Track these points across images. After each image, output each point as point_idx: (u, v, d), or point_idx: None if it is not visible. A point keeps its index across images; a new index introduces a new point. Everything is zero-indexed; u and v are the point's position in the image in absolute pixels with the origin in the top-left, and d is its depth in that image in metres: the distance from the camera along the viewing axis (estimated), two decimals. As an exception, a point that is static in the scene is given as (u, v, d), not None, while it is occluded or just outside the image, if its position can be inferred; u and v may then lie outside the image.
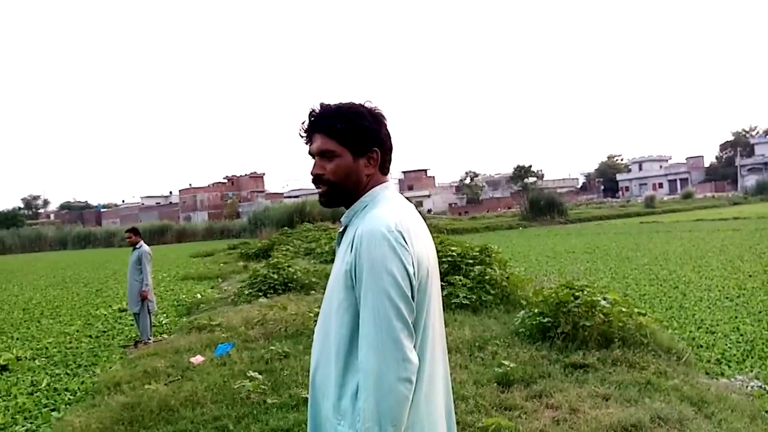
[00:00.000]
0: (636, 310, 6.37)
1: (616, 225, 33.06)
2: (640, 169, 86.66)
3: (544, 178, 76.99)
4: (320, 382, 1.62)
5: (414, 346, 1.50)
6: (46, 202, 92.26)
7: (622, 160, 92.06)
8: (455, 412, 4.13)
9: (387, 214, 1.58)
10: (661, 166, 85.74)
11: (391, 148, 1.74)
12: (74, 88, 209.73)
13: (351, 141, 1.65)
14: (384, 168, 1.73)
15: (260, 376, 5.25)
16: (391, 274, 1.47)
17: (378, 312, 1.45)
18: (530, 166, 73.43)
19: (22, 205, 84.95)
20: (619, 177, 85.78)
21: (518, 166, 73.42)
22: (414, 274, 1.51)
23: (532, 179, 72.18)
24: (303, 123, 1.71)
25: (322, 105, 1.69)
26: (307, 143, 1.72)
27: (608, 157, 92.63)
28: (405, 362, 1.44)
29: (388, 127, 1.73)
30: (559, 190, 61.89)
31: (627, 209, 47.77)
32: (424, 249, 1.60)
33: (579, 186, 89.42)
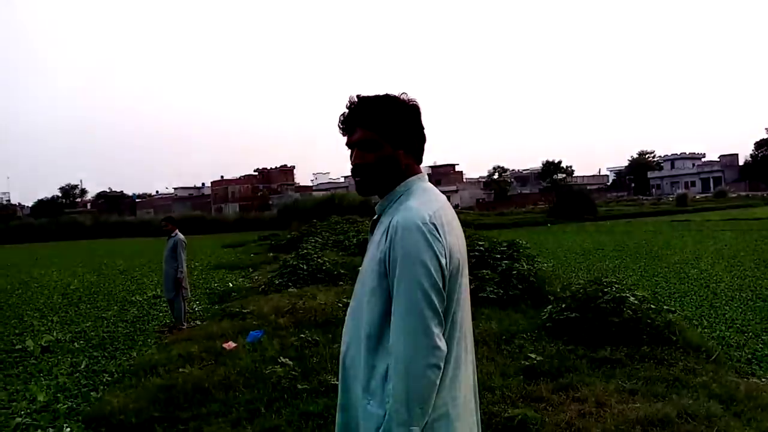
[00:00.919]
0: (665, 307, 6.35)
1: (646, 223, 32.49)
2: (673, 166, 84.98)
3: (573, 175, 76.06)
4: (350, 363, 1.69)
5: (443, 334, 1.57)
6: (83, 192, 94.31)
7: (654, 157, 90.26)
8: (482, 402, 4.20)
9: (422, 206, 1.63)
10: (694, 164, 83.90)
11: (425, 139, 1.80)
12: (112, 81, 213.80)
13: (390, 132, 1.71)
14: (418, 159, 1.79)
15: (291, 363, 5.39)
16: (424, 264, 1.53)
17: (410, 301, 1.52)
18: (559, 162, 72.71)
19: (60, 194, 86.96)
20: (650, 174, 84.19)
21: (547, 162, 72.73)
22: (446, 265, 1.57)
23: (561, 175, 71.38)
24: (343, 115, 1.76)
25: (360, 97, 1.74)
26: (345, 135, 1.78)
27: (639, 154, 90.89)
28: (434, 349, 1.51)
29: (421, 119, 1.78)
30: (588, 187, 61.12)
31: (658, 207, 46.85)
32: (455, 241, 1.65)
33: (609, 183, 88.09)
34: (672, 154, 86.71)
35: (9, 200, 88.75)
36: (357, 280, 1.77)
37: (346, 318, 1.78)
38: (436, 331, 1.53)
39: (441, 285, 1.56)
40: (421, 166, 1.82)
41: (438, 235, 1.57)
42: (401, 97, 1.75)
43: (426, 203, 1.65)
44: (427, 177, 1.82)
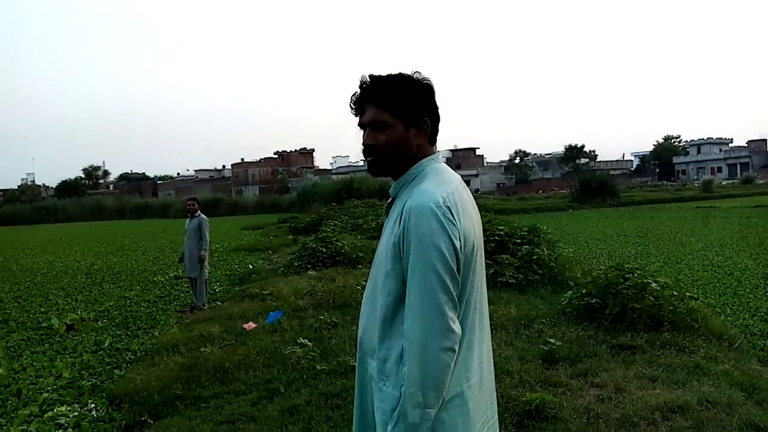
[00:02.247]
0: (688, 294, 6.26)
1: (670, 209, 32.07)
2: (699, 152, 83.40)
3: (596, 159, 75.14)
4: (367, 344, 1.71)
5: (457, 317, 1.57)
6: (106, 173, 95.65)
7: (679, 142, 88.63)
8: (500, 386, 4.18)
9: (435, 188, 1.61)
10: (720, 150, 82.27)
11: (439, 119, 1.75)
12: (134, 64, 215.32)
13: (403, 111, 1.68)
14: (432, 139, 1.75)
15: (310, 344, 5.44)
16: (438, 248, 1.52)
17: (424, 285, 1.51)
18: (582, 147, 71.74)
19: (83, 176, 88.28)
20: (675, 160, 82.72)
21: (570, 146, 71.79)
22: (460, 248, 1.56)
23: (584, 160, 70.52)
24: (354, 94, 1.74)
25: (372, 76, 1.71)
26: (357, 115, 1.75)
27: (665, 139, 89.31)
28: (448, 332, 1.51)
29: (436, 98, 1.75)
30: (611, 172, 60.32)
31: (683, 193, 46.15)
32: (470, 224, 1.63)
33: (633, 168, 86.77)
34: (698, 139, 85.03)
35: (33, 181, 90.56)
36: (372, 264, 1.77)
37: (363, 301, 1.78)
38: (450, 314, 1.52)
39: (455, 268, 1.55)
40: (441, 149, 1.79)
41: (452, 218, 1.55)
42: (414, 75, 1.72)
43: (440, 185, 1.64)
44: (441, 158, 1.79)
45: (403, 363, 1.54)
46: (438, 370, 1.50)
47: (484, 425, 1.70)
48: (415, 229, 1.53)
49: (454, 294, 1.54)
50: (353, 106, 1.75)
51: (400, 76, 1.70)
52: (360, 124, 1.75)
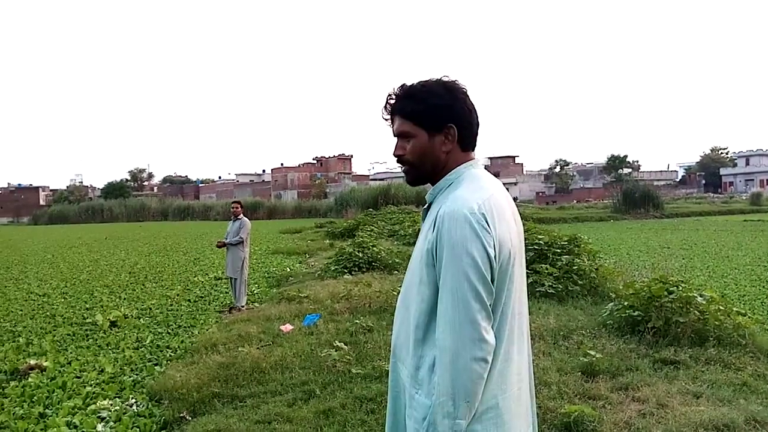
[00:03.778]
0: (734, 309, 6.06)
1: (716, 222, 31.09)
2: (747, 163, 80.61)
3: (640, 170, 73.48)
4: (400, 351, 1.70)
5: (492, 327, 1.53)
6: (150, 176, 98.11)
7: (727, 153, 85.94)
8: (537, 397, 4.12)
9: (471, 195, 1.58)
10: (771, 162, 79.39)
11: (471, 123, 1.71)
12: (179, 73, 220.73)
13: (424, 120, 1.67)
14: (465, 144, 1.71)
15: (345, 347, 5.45)
16: (471, 256, 1.49)
17: (456, 293, 1.49)
18: (625, 156, 70.37)
19: (128, 178, 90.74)
20: (722, 171, 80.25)
21: (612, 156, 70.46)
22: (495, 257, 1.52)
23: (626, 170, 69.04)
24: (384, 107, 1.76)
25: (398, 87, 1.73)
26: (389, 125, 1.78)
27: (712, 150, 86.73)
28: (481, 342, 1.48)
29: (467, 101, 1.70)
30: (655, 183, 58.87)
31: (730, 206, 44.71)
32: (507, 231, 1.59)
33: (678, 179, 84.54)
34: (747, 151, 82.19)
35: (81, 182, 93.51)
36: (407, 269, 1.76)
37: (397, 306, 1.77)
38: (483, 324, 1.49)
39: (489, 277, 1.51)
40: (478, 157, 1.77)
41: (486, 226, 1.52)
42: (440, 79, 1.69)
43: (476, 191, 1.60)
44: (480, 163, 1.76)
45: (434, 372, 1.53)
46: (469, 381, 1.47)
47: None
48: (448, 236, 1.51)
49: (488, 303, 1.51)
50: (385, 118, 1.77)
51: (421, 85, 1.69)
52: (394, 135, 1.77)
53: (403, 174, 1.80)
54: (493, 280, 1.53)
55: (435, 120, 1.67)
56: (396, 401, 1.73)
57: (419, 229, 1.79)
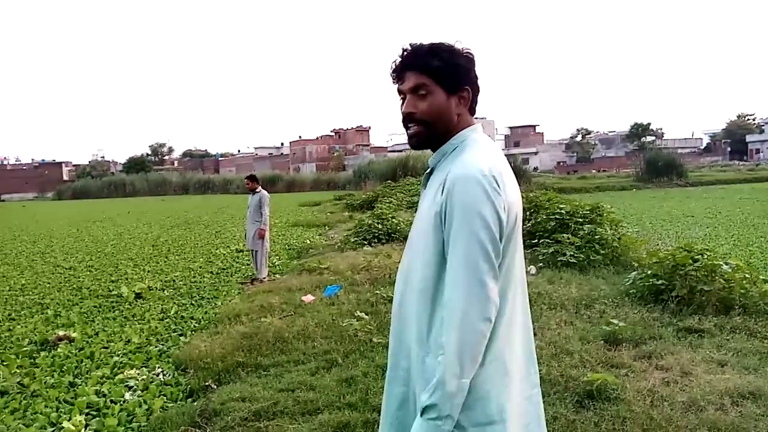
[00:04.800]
0: (761, 277, 5.97)
1: (742, 190, 30.49)
2: (775, 130, 78.62)
3: (663, 138, 72.15)
4: (405, 315, 1.68)
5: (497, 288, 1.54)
6: (170, 150, 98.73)
7: (754, 120, 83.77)
8: (559, 365, 4.10)
9: (479, 158, 1.58)
10: (800, 128, 77.25)
11: (479, 90, 1.72)
12: (198, 49, 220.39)
13: (445, 78, 1.64)
14: (472, 109, 1.72)
15: (366, 317, 5.49)
16: (483, 217, 1.49)
17: (467, 253, 1.49)
18: (649, 124, 68.97)
19: (149, 152, 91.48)
20: (749, 138, 78.24)
21: (635, 124, 69.12)
22: (504, 219, 1.54)
23: (650, 138, 67.80)
24: (395, 61, 1.70)
25: (413, 44, 1.69)
26: (396, 82, 1.72)
27: (738, 116, 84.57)
28: (488, 302, 1.49)
29: (476, 68, 1.71)
30: (680, 151, 57.82)
31: (756, 173, 43.74)
32: (514, 194, 1.61)
33: (703, 147, 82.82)
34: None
35: (103, 157, 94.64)
36: (410, 233, 1.74)
37: (399, 269, 1.76)
38: (491, 284, 1.50)
39: (498, 238, 1.52)
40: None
41: (497, 188, 1.53)
42: (455, 44, 1.68)
43: (483, 155, 1.60)
44: (481, 128, 1.75)
45: (441, 333, 1.52)
46: (475, 341, 1.48)
47: (524, 393, 1.67)
48: (459, 198, 1.51)
49: (496, 264, 1.52)
50: (393, 73, 1.71)
51: (441, 43, 1.67)
52: (400, 92, 1.71)
53: (407, 137, 1.73)
54: (501, 242, 1.54)
55: (455, 80, 1.66)
56: (398, 366, 1.71)
57: (420, 195, 1.77)
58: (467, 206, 1.50)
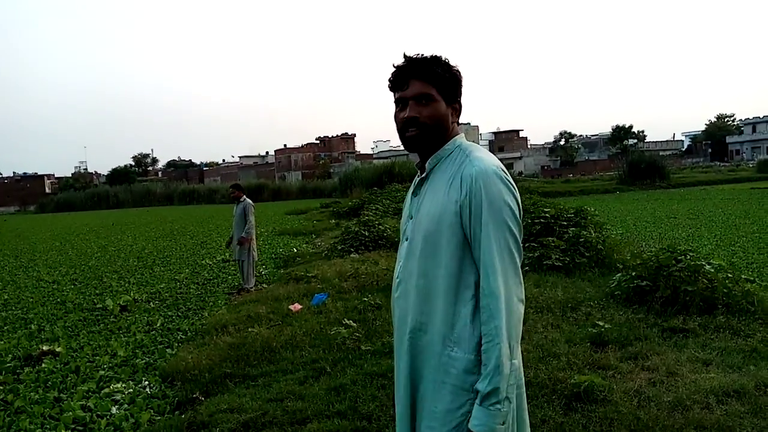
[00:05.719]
0: (743, 277, 6.05)
1: (723, 190, 30.90)
2: (754, 130, 79.66)
3: (645, 140, 72.86)
4: (420, 319, 1.71)
5: None
6: (154, 161, 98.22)
7: (733, 121, 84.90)
8: (546, 368, 4.11)
9: (489, 157, 1.71)
10: (778, 128, 78.41)
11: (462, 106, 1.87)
12: (180, 58, 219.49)
13: (446, 89, 1.75)
14: (457, 121, 1.84)
15: (354, 325, 5.48)
16: (509, 206, 1.63)
17: (500, 241, 1.60)
18: (630, 127, 69.53)
19: (133, 163, 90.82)
20: (729, 139, 79.25)
21: (617, 127, 69.69)
22: (521, 210, 1.69)
23: (632, 141, 68.46)
24: (398, 68, 1.76)
25: (416, 55, 1.75)
26: (396, 88, 1.77)
27: (718, 118, 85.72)
28: (521, 285, 1.64)
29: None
30: (661, 153, 58.39)
31: (737, 174, 44.37)
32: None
33: (684, 149, 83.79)
34: (754, 117, 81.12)
35: (86, 169, 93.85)
36: (408, 237, 1.77)
37: (403, 278, 1.78)
38: (520, 269, 1.65)
39: (521, 227, 1.67)
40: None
41: (513, 182, 1.67)
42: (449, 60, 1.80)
43: (489, 155, 1.73)
44: (464, 136, 1.86)
45: (485, 321, 1.58)
46: (518, 322, 1.61)
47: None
48: (485, 191, 1.61)
49: (522, 249, 1.66)
50: (392, 81, 1.78)
51: (440, 57, 1.77)
52: (400, 99, 1.77)
53: (405, 139, 1.77)
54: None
55: (453, 92, 1.78)
56: (414, 374, 1.73)
57: (404, 199, 1.87)
58: (495, 199, 1.61)
